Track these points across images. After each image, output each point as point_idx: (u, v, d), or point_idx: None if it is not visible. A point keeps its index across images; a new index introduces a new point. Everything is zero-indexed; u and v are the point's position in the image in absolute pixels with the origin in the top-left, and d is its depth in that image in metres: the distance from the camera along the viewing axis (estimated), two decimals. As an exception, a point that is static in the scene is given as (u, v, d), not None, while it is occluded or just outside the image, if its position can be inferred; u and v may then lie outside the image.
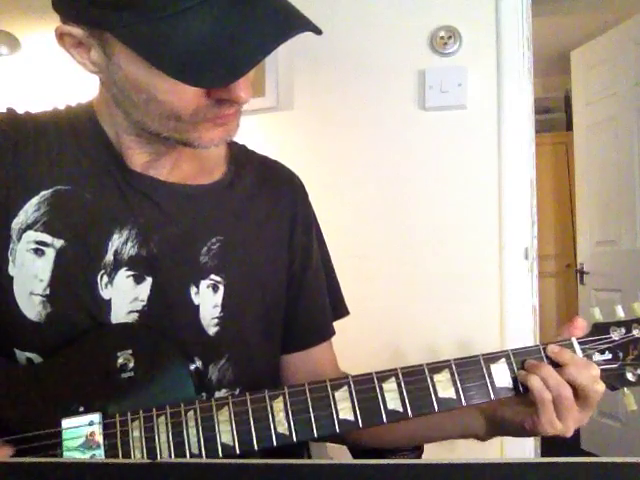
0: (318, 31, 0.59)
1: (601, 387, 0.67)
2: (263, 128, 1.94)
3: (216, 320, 0.73)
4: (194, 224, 0.75)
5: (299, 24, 0.58)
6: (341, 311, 0.89)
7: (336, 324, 0.89)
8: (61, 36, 0.63)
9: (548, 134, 3.94)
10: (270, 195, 0.82)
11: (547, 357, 0.70)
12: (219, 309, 0.73)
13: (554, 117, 4.11)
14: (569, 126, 3.77)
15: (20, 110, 0.76)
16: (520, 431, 0.71)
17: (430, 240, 1.80)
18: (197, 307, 0.72)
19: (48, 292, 0.68)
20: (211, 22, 0.56)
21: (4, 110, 0.76)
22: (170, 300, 0.71)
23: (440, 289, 1.78)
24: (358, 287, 1.76)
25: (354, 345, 1.59)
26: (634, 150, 2.73)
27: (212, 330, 0.73)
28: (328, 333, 0.87)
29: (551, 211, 3.91)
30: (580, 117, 3.16)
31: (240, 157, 0.83)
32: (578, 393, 0.67)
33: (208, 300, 0.73)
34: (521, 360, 0.69)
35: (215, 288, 0.73)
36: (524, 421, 0.70)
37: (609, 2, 2.58)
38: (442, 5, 1.82)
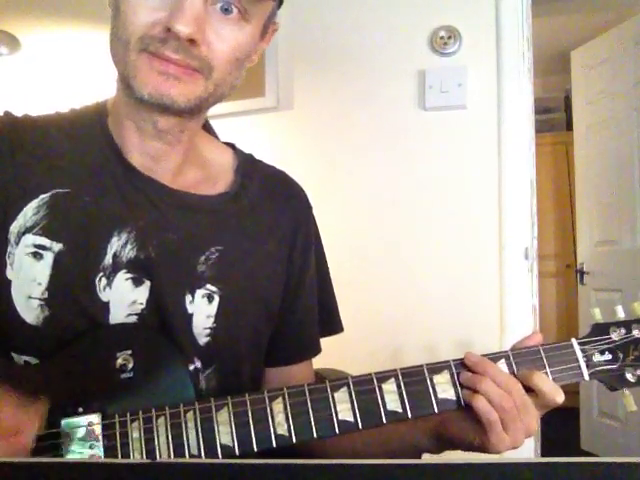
0: None
1: (517, 386, 0.65)
2: (263, 128, 1.94)
3: (208, 330, 0.72)
4: (194, 232, 0.74)
5: None
6: (335, 328, 0.88)
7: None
8: None
9: (548, 134, 3.94)
10: (274, 209, 0.82)
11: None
12: (212, 319, 0.73)
13: (554, 117, 4.11)
14: (569, 126, 3.77)
15: (18, 112, 0.76)
16: (470, 448, 0.69)
17: (430, 240, 1.80)
18: (190, 316, 0.72)
19: (46, 296, 0.68)
20: None
21: (1, 113, 0.75)
22: (165, 305, 0.71)
23: (440, 289, 1.78)
24: (358, 287, 1.76)
25: (354, 345, 1.59)
26: (634, 150, 2.73)
27: (203, 340, 0.72)
28: (313, 352, 0.86)
29: (551, 211, 3.91)
30: (580, 117, 3.16)
31: (247, 168, 0.82)
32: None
33: (202, 310, 0.72)
34: (457, 372, 0.68)
35: (210, 298, 0.73)
36: (473, 440, 0.68)
37: (609, 2, 2.58)
38: (442, 5, 1.82)
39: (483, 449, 0.67)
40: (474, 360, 0.68)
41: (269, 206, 0.81)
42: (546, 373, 0.68)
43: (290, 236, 0.82)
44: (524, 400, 0.66)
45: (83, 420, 0.61)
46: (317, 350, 0.87)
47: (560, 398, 0.67)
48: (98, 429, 0.61)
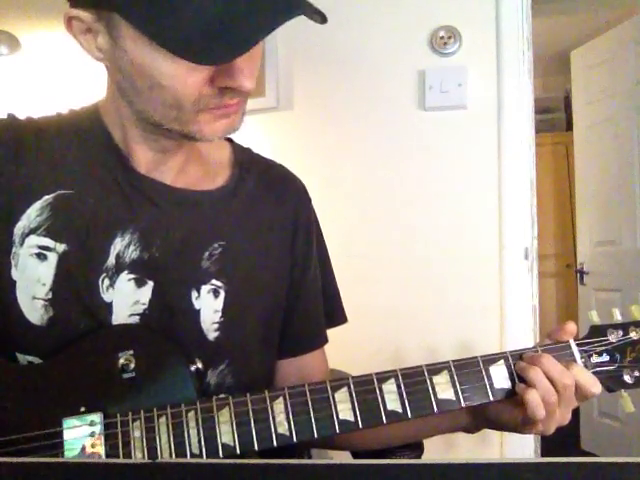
0: (322, 16, 0.59)
1: (570, 381, 0.67)
2: (263, 128, 1.94)
3: (216, 325, 0.73)
4: (197, 229, 0.75)
5: (303, 6, 0.58)
6: (339, 319, 0.89)
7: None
8: (69, 21, 0.63)
9: (548, 134, 3.94)
10: (273, 201, 0.82)
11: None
12: (219, 314, 0.73)
13: (554, 117, 4.11)
14: (569, 126, 3.77)
15: (21, 115, 0.76)
16: (502, 428, 0.74)
17: (430, 240, 1.80)
18: (198, 312, 0.72)
19: (50, 296, 0.68)
20: (216, 1, 0.56)
21: (4, 116, 0.75)
22: (171, 304, 0.71)
23: (440, 289, 1.78)
24: (358, 287, 1.76)
25: (354, 345, 1.59)
26: (634, 150, 2.73)
27: (212, 335, 0.72)
28: (320, 341, 0.86)
29: (551, 211, 3.91)
30: (580, 117, 3.16)
31: (244, 161, 0.83)
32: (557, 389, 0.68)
33: (209, 305, 0.73)
34: (519, 355, 0.70)
35: (216, 293, 0.73)
36: (507, 420, 0.71)
37: (609, 2, 2.58)
38: (442, 5, 1.82)
39: (515, 430, 0.71)
40: (531, 354, 0.69)
41: (268, 198, 0.82)
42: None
43: (291, 227, 0.82)
44: (570, 397, 0.67)
45: (85, 419, 0.61)
46: (324, 339, 0.87)
47: (597, 389, 0.68)
48: (100, 428, 0.61)
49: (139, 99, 0.65)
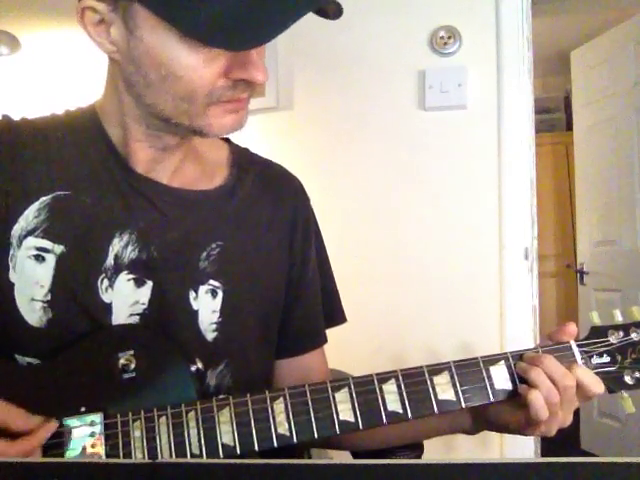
0: (339, 10, 0.62)
1: (572, 382, 0.67)
2: (263, 128, 1.94)
3: (214, 325, 0.73)
4: (194, 229, 0.75)
5: None
6: (338, 318, 0.89)
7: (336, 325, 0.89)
8: (83, 11, 0.63)
9: (548, 134, 3.94)
10: (271, 200, 0.82)
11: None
12: (217, 314, 0.73)
13: (554, 117, 4.11)
14: (569, 126, 3.77)
15: (17, 116, 0.76)
16: (503, 429, 0.73)
17: (430, 240, 1.80)
18: (196, 312, 0.72)
19: (49, 298, 0.68)
20: None
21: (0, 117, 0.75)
22: (170, 304, 0.71)
23: (440, 289, 1.78)
24: (358, 288, 1.76)
25: (354, 345, 1.59)
26: (634, 150, 2.73)
27: (210, 335, 0.72)
28: (320, 340, 0.86)
29: (551, 211, 3.91)
30: (580, 117, 3.16)
31: (242, 161, 0.83)
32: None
33: (207, 305, 0.73)
34: (519, 355, 0.70)
35: (214, 293, 0.73)
36: (509, 422, 0.71)
37: (609, 2, 2.58)
38: (442, 5, 1.82)
39: (517, 432, 0.71)
40: (532, 354, 0.70)
41: (266, 198, 0.82)
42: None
43: (289, 227, 0.82)
44: (572, 398, 0.67)
45: (85, 419, 0.61)
46: (324, 339, 0.87)
47: (600, 389, 0.68)
48: (100, 428, 0.61)
49: (149, 91, 0.65)
